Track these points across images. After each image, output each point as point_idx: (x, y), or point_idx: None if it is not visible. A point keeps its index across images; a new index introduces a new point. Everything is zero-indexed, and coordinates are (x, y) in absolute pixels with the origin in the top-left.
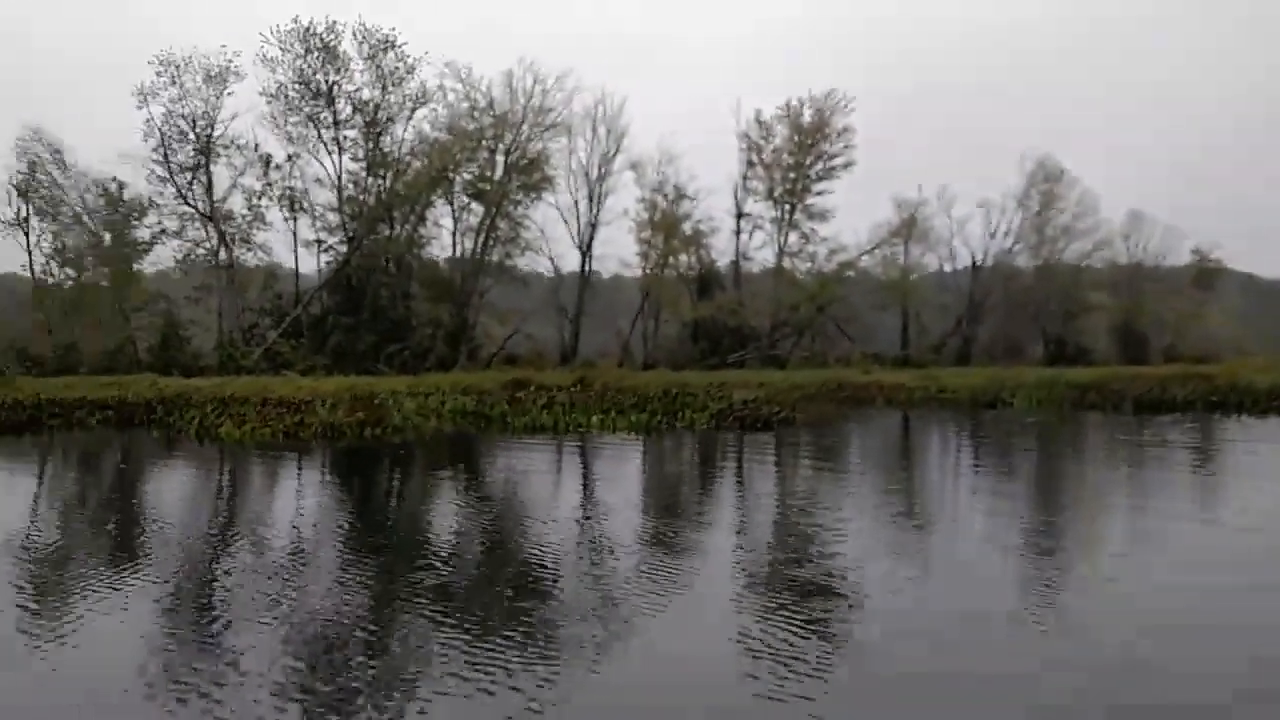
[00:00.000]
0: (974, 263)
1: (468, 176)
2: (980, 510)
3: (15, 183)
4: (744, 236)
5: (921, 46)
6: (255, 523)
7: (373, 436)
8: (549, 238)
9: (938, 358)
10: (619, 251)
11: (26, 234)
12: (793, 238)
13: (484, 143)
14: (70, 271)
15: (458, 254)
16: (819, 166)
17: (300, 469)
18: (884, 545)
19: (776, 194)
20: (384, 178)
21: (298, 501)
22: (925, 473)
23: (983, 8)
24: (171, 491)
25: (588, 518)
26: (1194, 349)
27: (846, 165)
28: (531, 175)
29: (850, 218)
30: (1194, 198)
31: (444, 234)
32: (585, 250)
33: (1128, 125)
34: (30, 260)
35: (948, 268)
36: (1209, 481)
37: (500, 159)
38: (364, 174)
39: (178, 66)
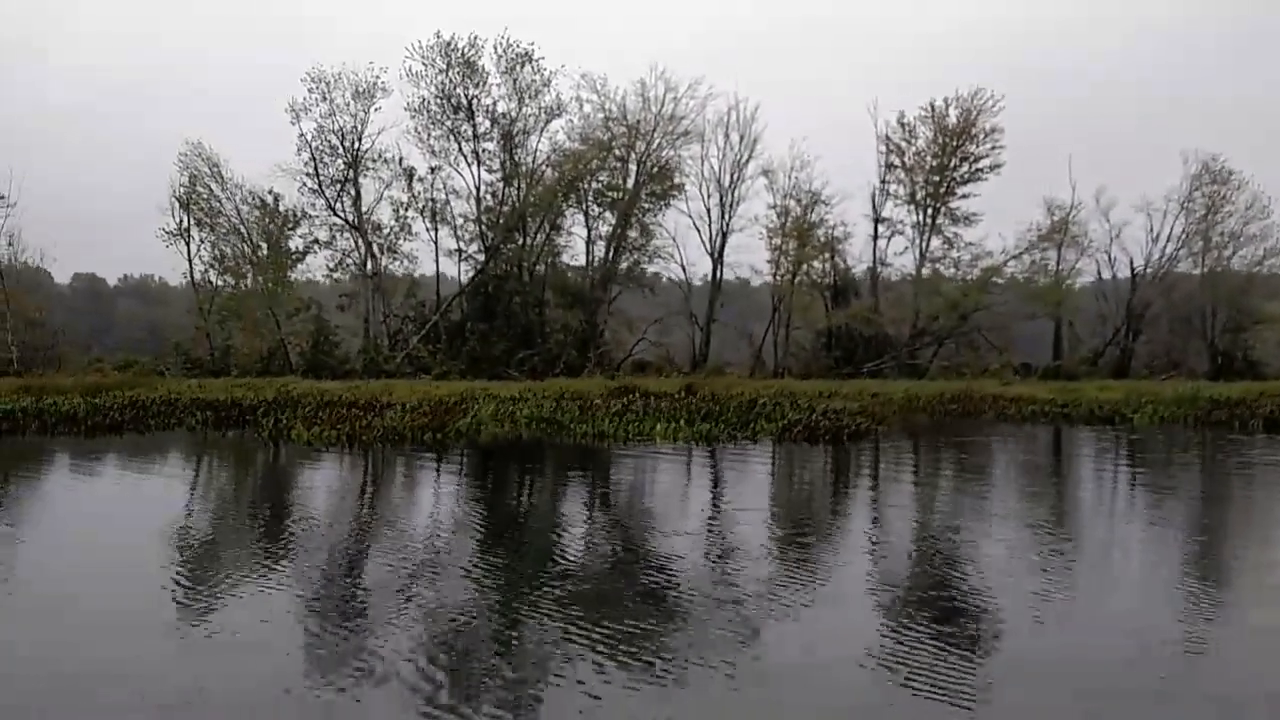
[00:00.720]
0: (1133, 270)
1: (599, 185)
2: (874, 555)
3: (177, 195)
4: (882, 242)
5: (1073, 45)
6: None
7: (432, 441)
8: (681, 244)
9: (1093, 370)
10: (751, 258)
11: (188, 243)
12: (935, 243)
13: (616, 151)
14: (228, 279)
15: (590, 261)
16: (964, 169)
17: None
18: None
19: (918, 198)
20: (519, 188)
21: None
22: (910, 502)
23: (1142, 5)
24: (89, 492)
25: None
26: None
27: (994, 167)
28: (663, 183)
29: (997, 222)
30: None
31: (577, 241)
32: (717, 257)
33: None
34: (190, 268)
35: (1105, 275)
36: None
37: (632, 167)
38: (500, 184)
39: (328, 83)
